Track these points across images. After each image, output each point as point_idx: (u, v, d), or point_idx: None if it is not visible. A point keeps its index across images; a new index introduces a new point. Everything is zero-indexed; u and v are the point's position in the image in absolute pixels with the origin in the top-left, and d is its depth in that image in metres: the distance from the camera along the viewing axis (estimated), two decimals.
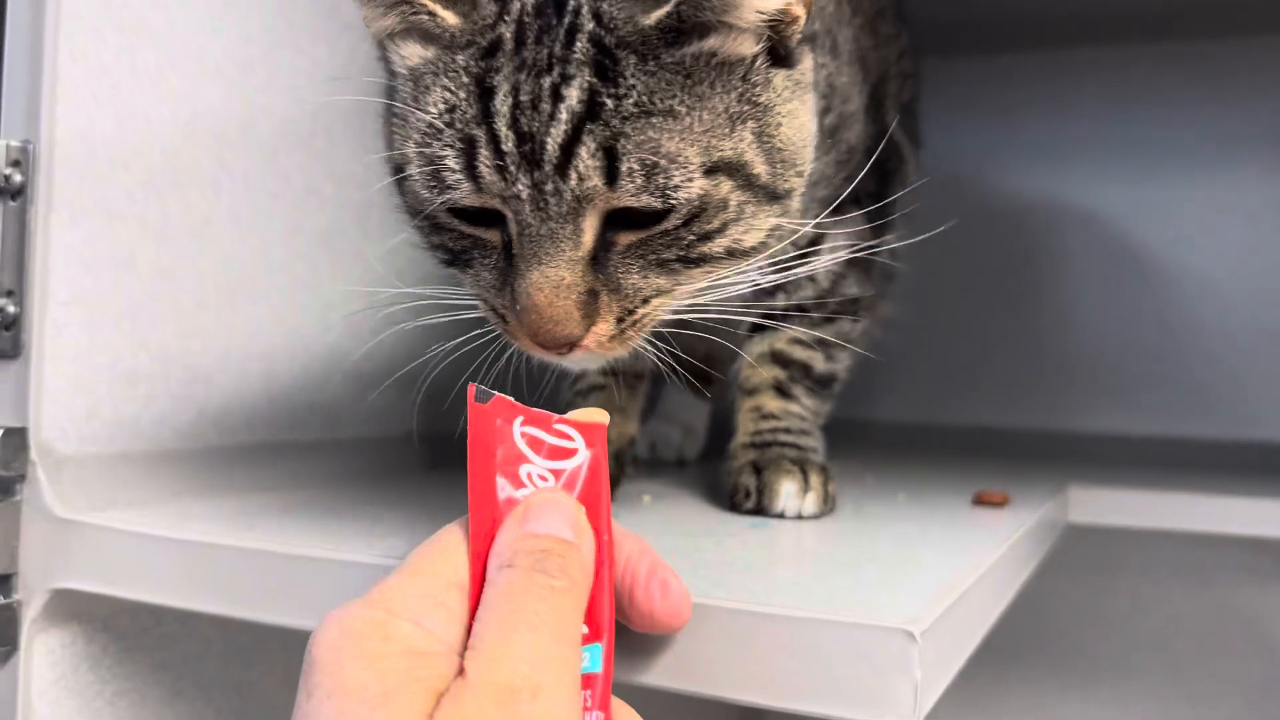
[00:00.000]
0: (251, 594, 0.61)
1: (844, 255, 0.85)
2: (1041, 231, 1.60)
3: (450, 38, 0.55)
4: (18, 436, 0.68)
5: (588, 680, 0.44)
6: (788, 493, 0.77)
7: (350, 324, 0.90)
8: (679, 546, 0.64)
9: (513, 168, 0.52)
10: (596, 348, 0.56)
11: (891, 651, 0.46)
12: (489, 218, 0.56)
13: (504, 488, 0.47)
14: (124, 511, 0.70)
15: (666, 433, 1.15)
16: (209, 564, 0.62)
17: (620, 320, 0.56)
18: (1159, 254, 1.54)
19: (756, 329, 0.86)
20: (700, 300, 0.59)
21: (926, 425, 1.63)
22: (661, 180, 0.52)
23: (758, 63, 0.57)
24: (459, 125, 0.53)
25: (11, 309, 0.68)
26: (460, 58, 0.54)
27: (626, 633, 0.50)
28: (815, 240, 0.82)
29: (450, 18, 0.55)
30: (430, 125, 0.54)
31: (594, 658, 0.45)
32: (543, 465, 0.48)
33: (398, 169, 0.57)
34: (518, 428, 0.48)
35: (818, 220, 0.82)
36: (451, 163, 0.53)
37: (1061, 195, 1.58)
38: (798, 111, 0.59)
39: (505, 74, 0.52)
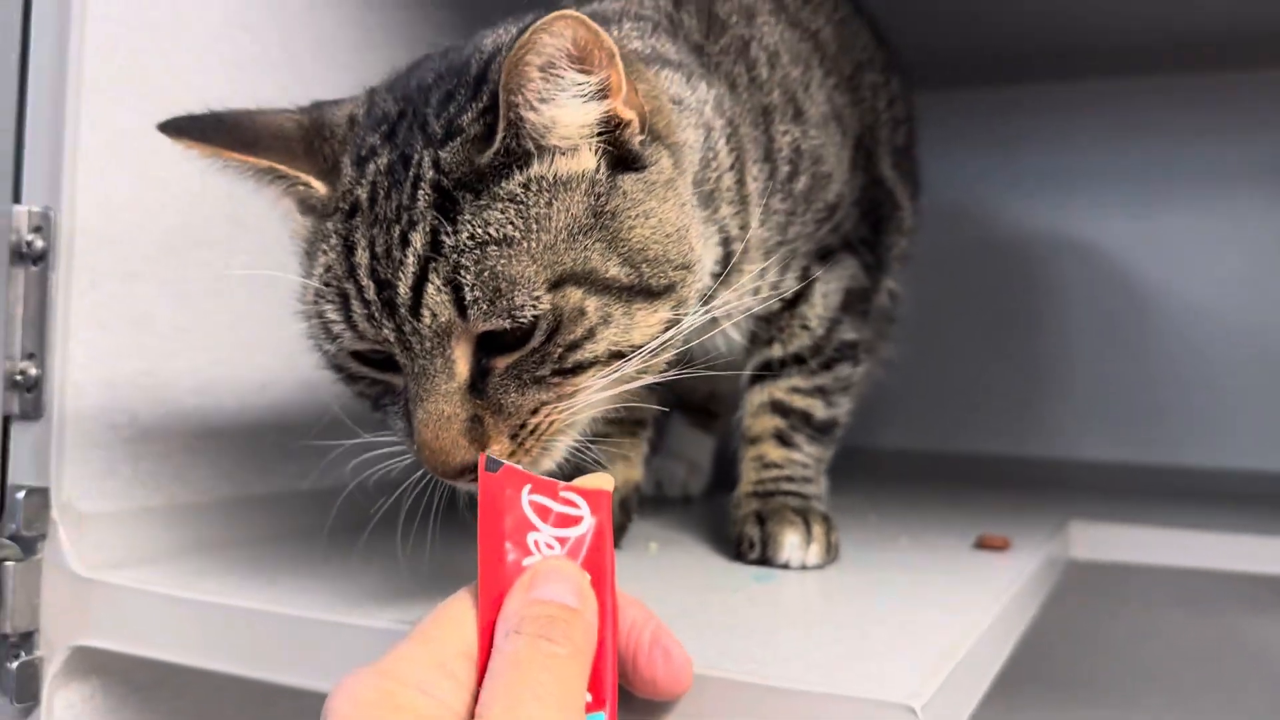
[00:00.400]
0: (266, 656, 0.63)
1: (836, 300, 0.87)
2: (1042, 262, 1.61)
3: (323, 205, 0.60)
4: (40, 496, 0.69)
5: None
6: (791, 544, 0.78)
7: None
8: (686, 605, 0.66)
9: (376, 314, 0.56)
10: None
11: None
12: (392, 363, 0.59)
13: (512, 554, 0.48)
14: (142, 569, 0.71)
15: (672, 470, 1.16)
16: (225, 625, 0.64)
17: (514, 436, 0.57)
18: (1159, 285, 1.55)
19: (756, 378, 0.87)
20: (617, 390, 0.60)
21: (929, 453, 1.64)
22: (505, 303, 0.54)
23: (599, 173, 0.58)
24: (334, 283, 0.58)
25: (33, 371, 0.70)
26: (330, 223, 0.59)
27: (632, 702, 0.51)
28: (802, 292, 0.84)
29: (321, 187, 0.60)
30: (316, 289, 0.59)
31: None
32: (550, 533, 0.50)
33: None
34: (526, 496, 0.50)
35: (804, 270, 0.84)
36: (333, 315, 0.58)
37: (1062, 226, 1.59)
38: (656, 211, 0.60)
39: (362, 231, 0.57)
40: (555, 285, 0.55)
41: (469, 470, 0.56)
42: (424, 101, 0.60)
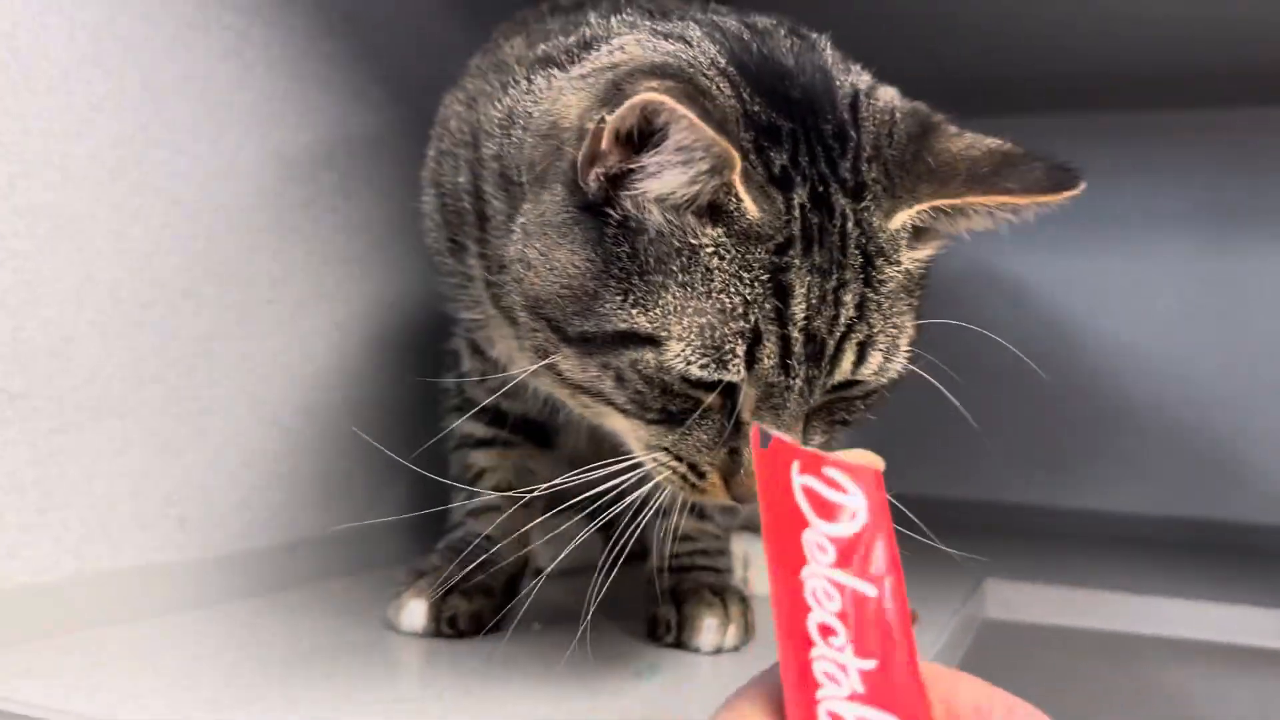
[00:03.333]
0: None
1: None
2: (970, 300, 1.58)
3: (746, 227, 0.54)
4: None
5: None
6: (709, 627, 0.76)
7: (230, 434, 0.85)
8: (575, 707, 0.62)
9: (795, 364, 0.55)
10: None
11: None
12: (716, 384, 0.56)
13: (790, 560, 0.39)
14: None
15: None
16: None
17: None
18: (1088, 326, 1.53)
19: None
20: None
21: None
22: (888, 367, 0.58)
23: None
24: (751, 318, 0.54)
25: None
26: (757, 251, 0.54)
27: None
28: None
29: (753, 209, 0.54)
30: (717, 310, 0.54)
31: None
32: (822, 529, 0.39)
33: (626, 333, 0.55)
34: (795, 478, 0.40)
35: None
36: (737, 350, 0.54)
37: (990, 264, 1.57)
38: None
39: (799, 275, 0.54)
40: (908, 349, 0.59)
41: None
42: (814, 124, 0.57)
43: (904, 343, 0.58)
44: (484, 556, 0.80)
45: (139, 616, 0.77)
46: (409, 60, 1.04)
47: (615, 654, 0.75)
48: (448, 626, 0.76)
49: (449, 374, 0.91)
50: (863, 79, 0.62)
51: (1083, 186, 0.57)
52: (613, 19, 0.67)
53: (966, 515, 1.51)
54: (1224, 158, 1.46)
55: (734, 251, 0.54)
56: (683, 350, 0.54)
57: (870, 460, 0.41)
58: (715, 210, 0.54)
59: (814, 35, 0.64)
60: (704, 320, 0.54)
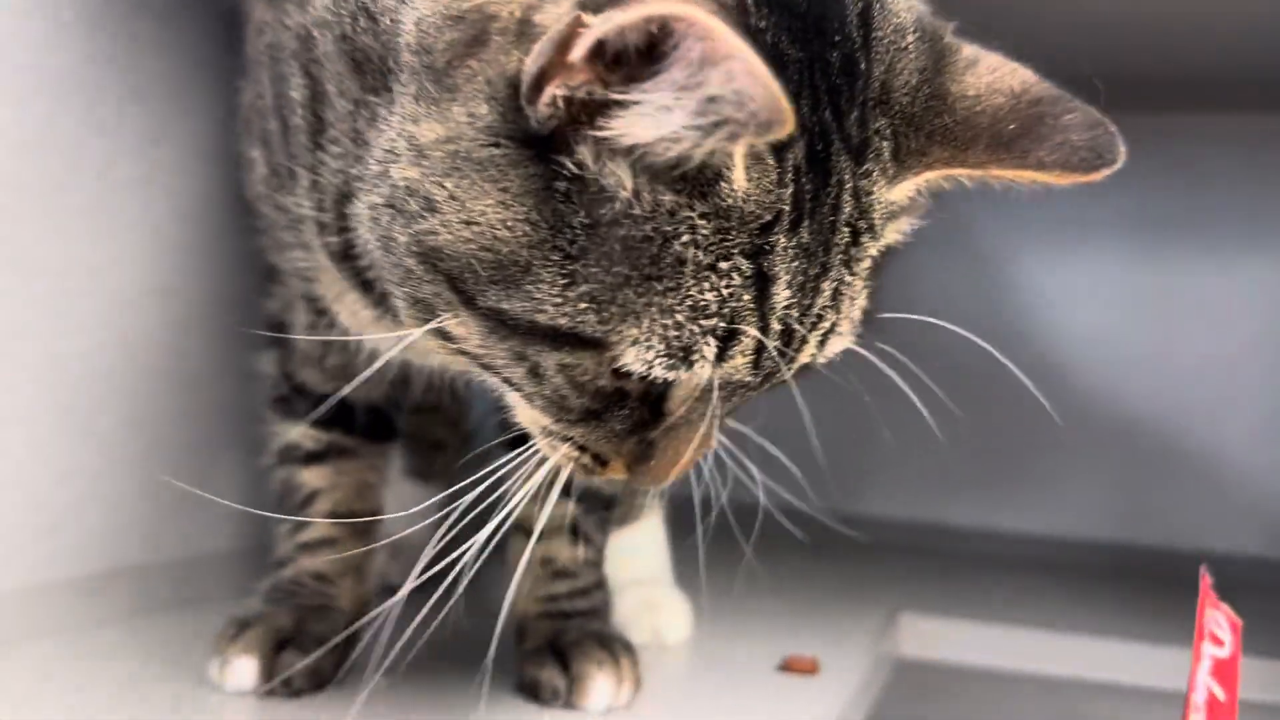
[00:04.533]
0: None
1: None
2: (889, 310, 1.51)
3: (731, 203, 0.43)
4: None
5: None
6: (603, 689, 0.67)
7: (35, 447, 0.73)
8: None
9: (767, 362, 0.47)
10: None
11: None
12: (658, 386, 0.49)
13: None
14: None
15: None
16: None
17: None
18: (1011, 340, 1.45)
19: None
20: None
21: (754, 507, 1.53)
22: (840, 350, 0.51)
23: None
24: (726, 313, 0.44)
25: None
26: (739, 234, 0.43)
27: None
28: None
29: (741, 180, 0.43)
30: (688, 309, 0.44)
31: None
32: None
33: (564, 332, 0.45)
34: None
35: None
36: (706, 352, 0.45)
37: (913, 275, 1.50)
38: None
39: (784, 261, 0.45)
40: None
41: None
42: (821, 50, 0.44)
43: (859, 321, 0.51)
44: (321, 601, 0.68)
45: None
46: None
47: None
48: (283, 687, 0.64)
49: (265, 352, 0.74)
50: None
51: (1123, 158, 0.51)
52: None
53: (880, 536, 1.44)
54: (1158, 165, 1.41)
55: (713, 237, 0.43)
56: (641, 354, 0.45)
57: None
58: (698, 178, 0.43)
59: None
60: (671, 320, 0.44)
